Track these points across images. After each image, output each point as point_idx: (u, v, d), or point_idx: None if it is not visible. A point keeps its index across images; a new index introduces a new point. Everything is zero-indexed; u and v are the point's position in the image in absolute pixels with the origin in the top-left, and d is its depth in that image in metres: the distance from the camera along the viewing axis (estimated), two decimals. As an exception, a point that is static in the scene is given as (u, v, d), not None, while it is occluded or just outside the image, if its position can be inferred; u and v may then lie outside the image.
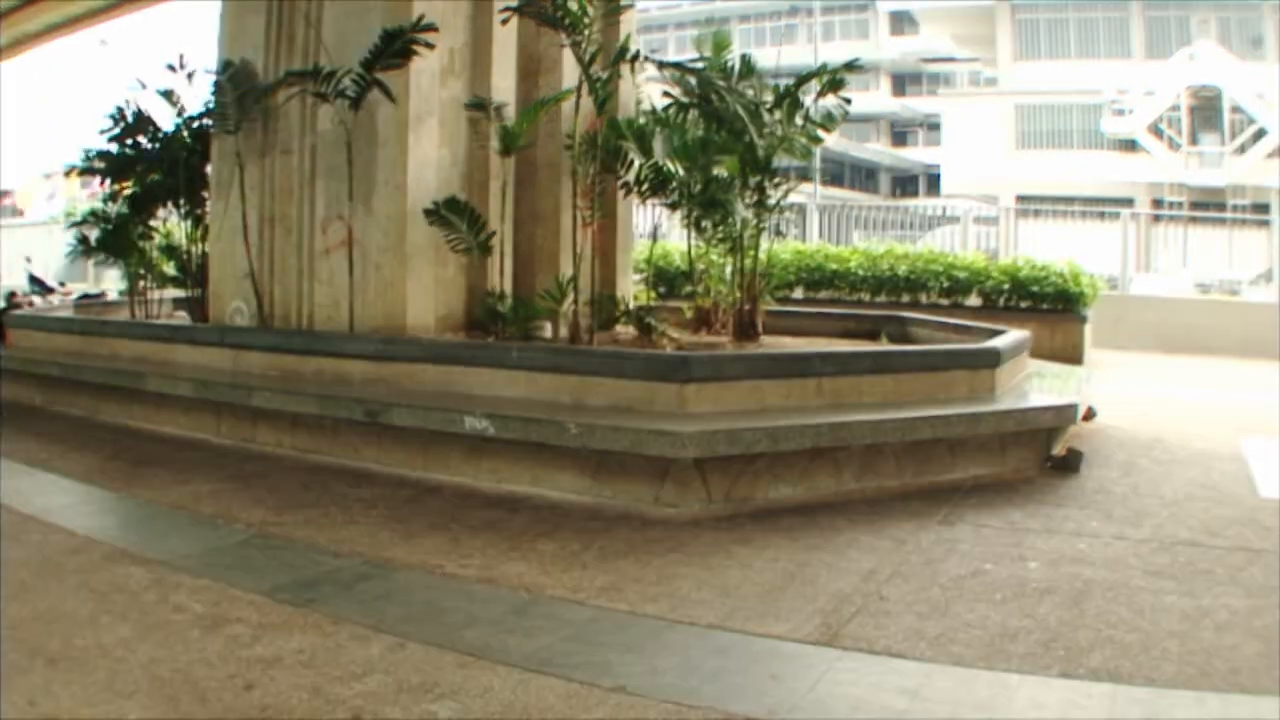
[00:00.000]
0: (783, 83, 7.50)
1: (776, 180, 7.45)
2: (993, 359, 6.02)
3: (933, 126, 39.77)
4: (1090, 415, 6.78)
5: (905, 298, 11.15)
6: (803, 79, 7.37)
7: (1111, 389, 8.46)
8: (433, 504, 4.89)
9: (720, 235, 7.43)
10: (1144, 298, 13.76)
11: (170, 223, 9.01)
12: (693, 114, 7.17)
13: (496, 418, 5.07)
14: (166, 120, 8.18)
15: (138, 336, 7.68)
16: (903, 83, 45.33)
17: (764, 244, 7.78)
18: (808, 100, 7.34)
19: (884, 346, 7.61)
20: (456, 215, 6.27)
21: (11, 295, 12.82)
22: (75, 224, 9.10)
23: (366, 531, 4.42)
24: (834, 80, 7.18)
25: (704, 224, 7.34)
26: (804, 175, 16.42)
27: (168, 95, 7.96)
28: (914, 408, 5.32)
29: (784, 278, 10.72)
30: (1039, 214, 16.99)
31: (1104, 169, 28.80)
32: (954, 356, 6.19)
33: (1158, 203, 26.41)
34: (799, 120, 7.31)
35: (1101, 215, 16.21)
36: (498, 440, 5.11)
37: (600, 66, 6.52)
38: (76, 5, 14.31)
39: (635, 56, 6.71)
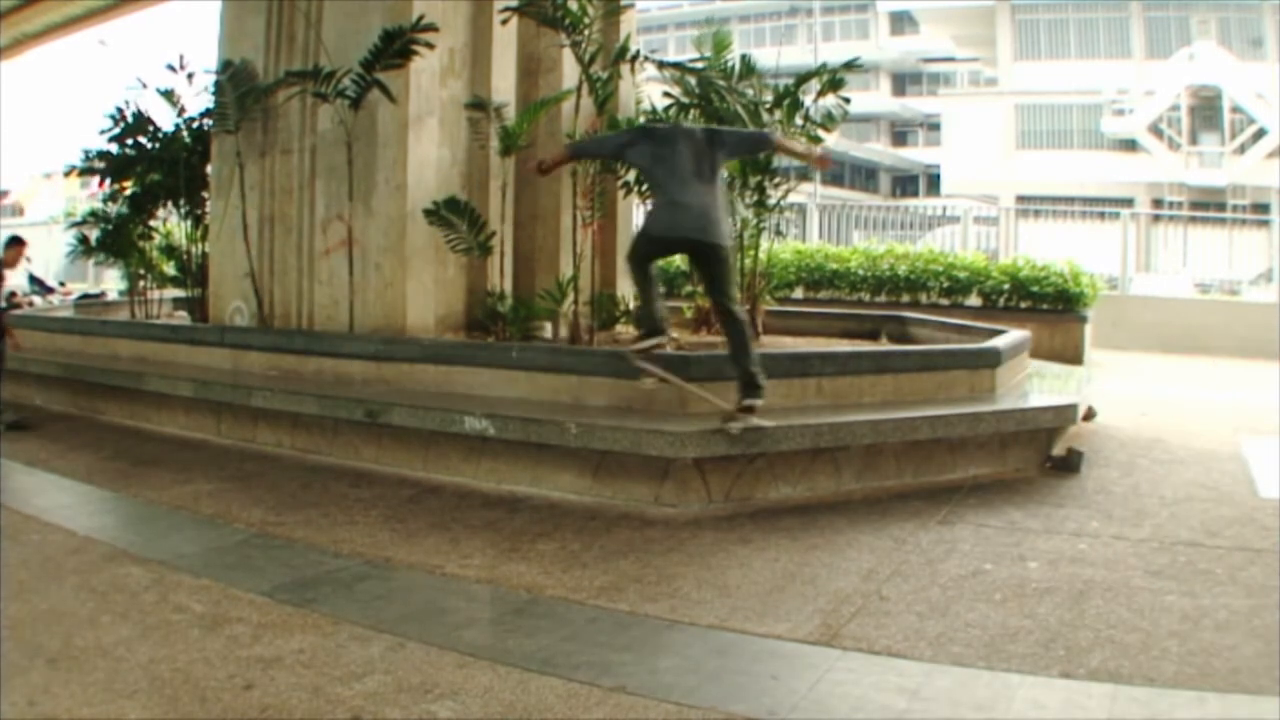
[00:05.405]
0: (783, 83, 7.51)
1: (776, 180, 7.46)
2: (993, 359, 6.03)
3: (933, 126, 39.71)
4: (1090, 415, 6.78)
5: (905, 298, 11.15)
6: (803, 79, 7.37)
7: (1111, 389, 8.46)
8: (433, 504, 4.89)
9: (720, 235, 7.41)
10: (1144, 298, 13.77)
11: (170, 223, 9.01)
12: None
13: (496, 418, 5.07)
14: (167, 120, 8.22)
15: (138, 336, 7.68)
16: (903, 83, 45.29)
17: (764, 244, 7.77)
18: (808, 100, 7.35)
19: (884, 346, 7.61)
20: (456, 215, 6.27)
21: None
22: (75, 224, 9.10)
23: (366, 531, 4.42)
24: (834, 80, 7.18)
25: (704, 224, 7.31)
26: (804, 175, 16.42)
27: (168, 95, 7.98)
28: (914, 408, 5.33)
29: (784, 278, 10.72)
30: (1039, 214, 17.01)
31: (1104, 169, 28.75)
32: (954, 356, 6.19)
33: (1158, 203, 26.38)
34: (799, 120, 7.31)
35: (1101, 215, 16.22)
36: (498, 440, 5.11)
37: (600, 66, 6.52)
38: (76, 5, 14.35)
39: (635, 56, 6.72)
